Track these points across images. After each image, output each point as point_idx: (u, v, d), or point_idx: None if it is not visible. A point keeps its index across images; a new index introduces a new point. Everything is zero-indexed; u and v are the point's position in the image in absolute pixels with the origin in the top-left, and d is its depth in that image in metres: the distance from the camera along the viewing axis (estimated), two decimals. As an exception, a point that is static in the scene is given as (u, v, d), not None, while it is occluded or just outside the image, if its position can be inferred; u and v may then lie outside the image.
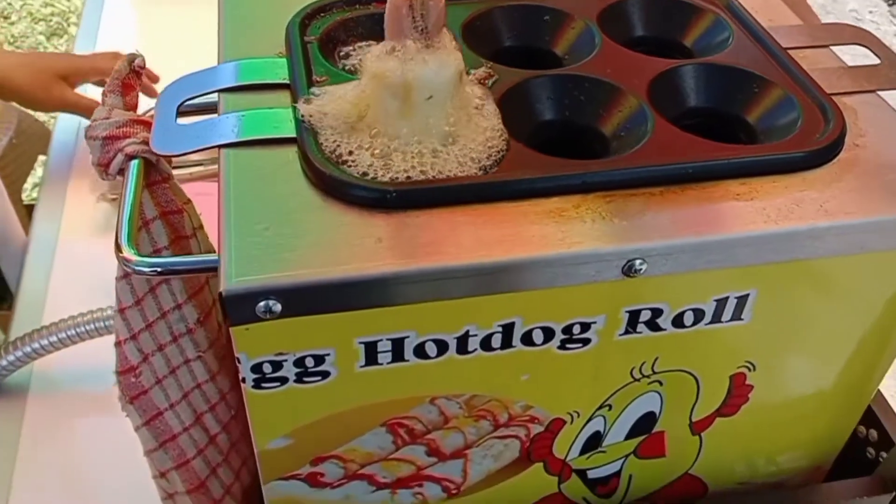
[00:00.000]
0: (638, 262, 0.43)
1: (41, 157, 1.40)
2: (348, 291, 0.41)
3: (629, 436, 0.54)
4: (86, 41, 1.30)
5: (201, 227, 0.59)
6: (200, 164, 0.98)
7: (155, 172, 0.54)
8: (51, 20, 2.92)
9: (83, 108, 0.98)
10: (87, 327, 0.77)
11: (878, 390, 0.61)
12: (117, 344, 0.56)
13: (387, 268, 0.41)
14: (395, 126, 0.44)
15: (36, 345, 0.77)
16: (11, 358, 0.78)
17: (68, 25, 2.91)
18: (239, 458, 0.64)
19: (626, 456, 0.56)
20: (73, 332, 0.77)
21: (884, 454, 0.62)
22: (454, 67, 0.43)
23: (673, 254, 0.43)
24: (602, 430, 0.53)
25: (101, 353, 0.77)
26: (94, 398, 0.82)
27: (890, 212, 0.46)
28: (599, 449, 0.55)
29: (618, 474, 0.58)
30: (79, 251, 0.98)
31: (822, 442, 0.61)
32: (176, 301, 0.56)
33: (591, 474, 0.57)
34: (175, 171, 0.56)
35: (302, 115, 0.47)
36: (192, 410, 0.60)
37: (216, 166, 0.47)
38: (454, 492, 0.54)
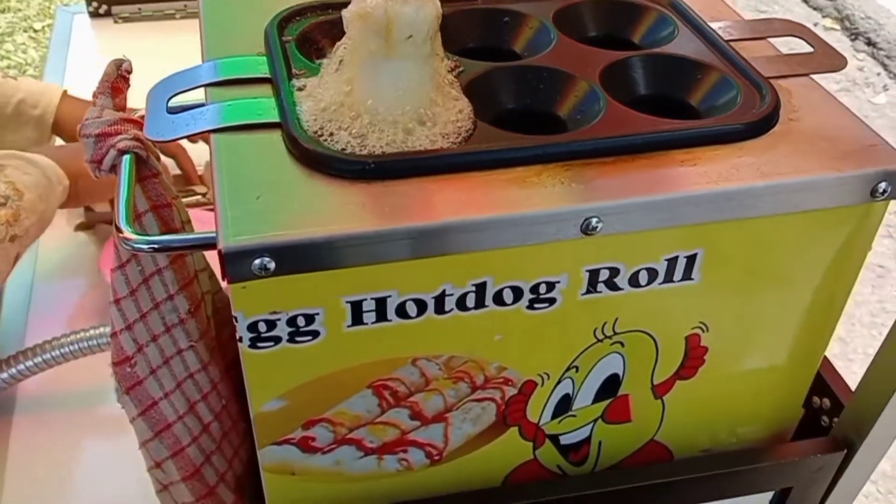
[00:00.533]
0: (594, 220, 0.47)
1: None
2: (334, 250, 0.45)
3: (596, 398, 0.58)
4: (54, 78, 1.34)
5: (189, 221, 0.63)
6: (199, 195, 1.02)
7: (145, 168, 0.58)
8: (7, 72, 2.95)
9: None
10: (71, 347, 0.78)
11: (826, 358, 0.65)
12: (113, 335, 0.59)
13: (368, 227, 0.45)
14: (375, 75, 0.48)
15: (21, 366, 0.79)
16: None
17: (25, 77, 2.93)
18: (231, 447, 0.67)
19: (595, 420, 0.60)
20: (58, 352, 0.78)
21: (836, 419, 0.66)
22: (432, 8, 0.48)
23: (625, 212, 0.48)
24: (571, 393, 0.57)
25: (85, 374, 0.80)
26: (79, 419, 0.84)
27: (821, 171, 0.51)
28: (570, 413, 0.58)
29: (588, 440, 0.61)
30: (57, 282, 0.99)
31: (779, 409, 0.65)
32: (168, 292, 0.60)
33: (564, 440, 0.60)
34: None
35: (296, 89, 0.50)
36: (185, 399, 0.62)
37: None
38: (437, 458, 0.58)
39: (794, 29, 0.66)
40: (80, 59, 1.38)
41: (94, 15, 1.47)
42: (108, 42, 1.44)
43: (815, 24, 3.20)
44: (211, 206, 0.98)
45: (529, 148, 0.50)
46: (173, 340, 0.61)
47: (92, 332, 0.78)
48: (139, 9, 1.47)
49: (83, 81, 1.31)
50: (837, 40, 3.13)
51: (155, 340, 0.60)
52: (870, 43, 3.09)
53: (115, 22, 1.47)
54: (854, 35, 3.14)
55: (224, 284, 0.67)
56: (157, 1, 1.47)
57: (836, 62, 0.62)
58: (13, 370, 0.79)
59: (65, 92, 1.01)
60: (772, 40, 0.65)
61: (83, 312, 0.94)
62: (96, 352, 0.79)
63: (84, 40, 1.44)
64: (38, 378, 0.80)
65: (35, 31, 3.14)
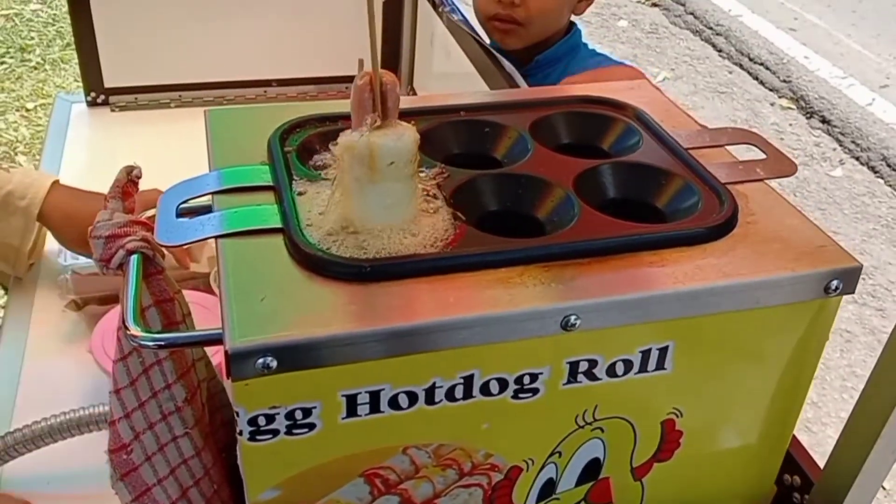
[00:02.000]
0: (573, 317, 0.52)
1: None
2: (333, 348, 0.49)
3: (579, 482, 0.61)
4: (50, 164, 1.38)
5: (189, 314, 0.66)
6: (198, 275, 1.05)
7: (151, 265, 0.61)
8: (1, 164, 2.98)
9: None
10: (60, 429, 0.79)
11: (794, 436, 0.69)
12: (111, 423, 0.62)
13: (364, 327, 0.49)
14: (364, 196, 0.53)
15: (9, 448, 0.79)
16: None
17: (16, 154, 2.97)
18: None
19: (578, 503, 0.63)
20: (46, 433, 0.79)
21: (807, 496, 0.70)
22: (410, 137, 0.54)
23: (601, 310, 0.53)
24: (555, 478, 0.60)
25: (72, 455, 0.81)
26: (65, 500, 0.85)
27: (778, 272, 0.56)
28: (554, 496, 0.61)
29: (572, 524, 0.64)
30: (46, 360, 1.01)
31: (753, 486, 0.69)
32: (166, 381, 0.63)
33: (548, 524, 0.63)
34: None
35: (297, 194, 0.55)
36: (178, 485, 0.65)
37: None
38: (425, 544, 0.60)
39: (748, 137, 0.72)
40: (77, 145, 1.43)
41: (92, 104, 1.53)
42: (105, 129, 1.50)
43: (773, 104, 3.38)
44: (205, 289, 1.02)
45: (512, 251, 0.55)
46: (169, 427, 0.64)
47: (81, 412, 0.80)
48: (135, 98, 1.54)
49: (80, 167, 1.36)
50: (794, 119, 3.29)
51: (151, 428, 0.63)
52: (824, 121, 3.25)
53: (112, 111, 1.53)
54: (809, 114, 3.31)
55: (215, 363, 0.70)
56: (152, 91, 1.54)
57: (787, 168, 0.68)
58: (0, 451, 0.80)
59: (55, 182, 1.05)
60: (728, 147, 0.71)
61: (72, 393, 0.95)
62: (84, 432, 0.80)
63: (81, 127, 1.49)
64: (25, 458, 0.81)
65: (27, 110, 3.20)
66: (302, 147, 0.64)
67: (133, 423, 0.62)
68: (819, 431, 1.99)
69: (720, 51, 3.87)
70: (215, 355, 0.78)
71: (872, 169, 3.02)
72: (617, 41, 4.12)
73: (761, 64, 3.62)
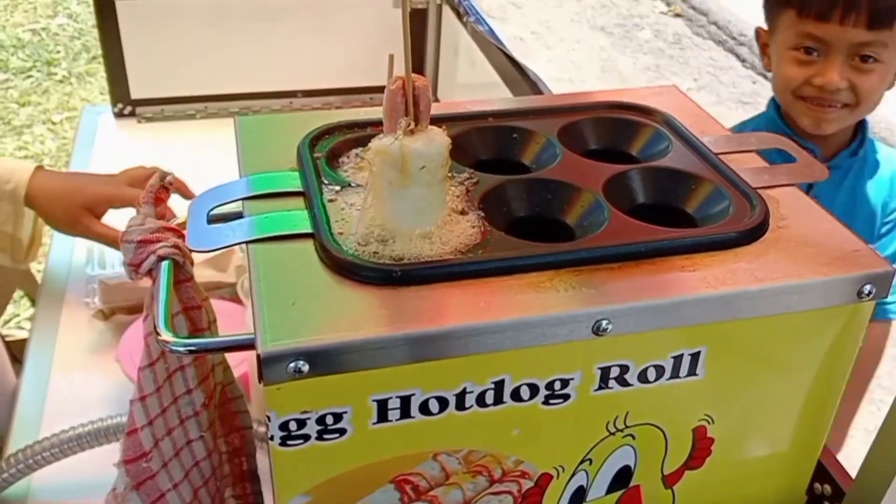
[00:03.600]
0: (605, 322, 0.51)
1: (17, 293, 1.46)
2: (364, 352, 0.49)
3: (609, 490, 0.61)
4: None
5: (215, 321, 0.67)
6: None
7: (181, 273, 0.62)
8: (25, 163, 3.03)
9: (105, 237, 1.06)
10: (88, 437, 0.80)
11: (825, 446, 0.68)
12: (130, 433, 0.62)
13: (396, 331, 0.49)
14: (395, 200, 0.53)
15: (38, 456, 0.80)
16: (13, 470, 0.81)
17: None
18: None
19: (608, 512, 0.62)
20: (74, 442, 0.80)
21: (838, 506, 0.69)
22: (442, 142, 0.54)
23: (633, 314, 0.52)
24: (585, 485, 0.60)
25: (98, 464, 0.81)
26: (93, 509, 0.86)
27: (811, 276, 0.56)
28: (584, 504, 0.61)
29: (602, 533, 0.64)
30: (74, 370, 1.02)
31: (784, 495, 0.68)
32: (188, 386, 0.63)
33: (578, 533, 0.63)
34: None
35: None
36: (191, 488, 0.65)
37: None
38: (455, 552, 0.60)
39: (777, 142, 0.71)
40: (104, 156, 1.45)
41: (119, 115, 1.55)
42: (131, 141, 1.52)
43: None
44: (231, 298, 1.02)
45: (542, 255, 0.54)
46: (185, 432, 0.64)
47: (109, 422, 0.80)
48: (162, 109, 1.56)
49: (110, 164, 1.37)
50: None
51: (170, 434, 0.63)
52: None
53: (139, 122, 1.56)
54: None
55: (238, 374, 0.70)
56: (178, 102, 1.56)
57: (817, 173, 0.67)
58: (29, 460, 0.80)
59: (38, 167, 1.06)
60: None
61: (99, 402, 0.96)
62: (112, 441, 0.81)
63: (108, 139, 1.52)
64: (53, 467, 0.82)
65: (53, 123, 3.25)
66: (331, 153, 0.64)
67: (154, 430, 0.62)
68: (846, 444, 1.96)
69: (743, 61, 3.85)
70: (238, 367, 0.78)
71: None
72: (640, 52, 4.11)
73: (784, 73, 3.59)
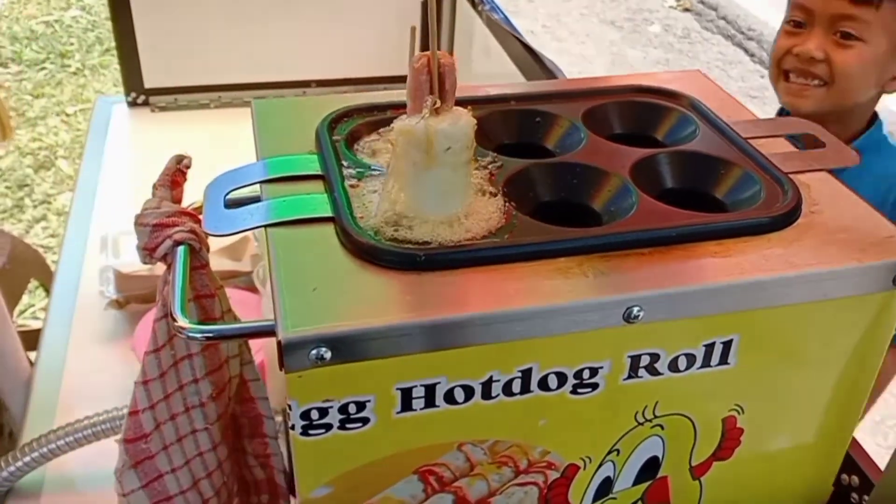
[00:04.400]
0: (636, 308, 0.50)
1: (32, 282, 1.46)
2: (388, 339, 0.47)
3: (636, 481, 0.59)
4: (91, 163, 1.40)
5: (230, 310, 0.65)
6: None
7: (196, 259, 0.60)
8: (38, 154, 3.04)
9: None
10: (103, 426, 0.80)
11: (854, 438, 0.66)
12: (132, 413, 0.61)
13: (420, 317, 0.47)
14: (419, 183, 0.52)
15: (52, 445, 0.80)
16: (27, 459, 0.81)
17: (56, 158, 3.02)
18: None
19: (635, 503, 0.61)
20: (90, 431, 0.80)
21: (866, 497, 0.67)
22: (467, 122, 0.52)
23: (665, 301, 0.51)
24: (612, 476, 0.58)
25: (114, 453, 0.81)
26: (106, 498, 0.85)
27: (846, 262, 0.54)
28: (611, 495, 0.59)
29: (628, 525, 0.62)
30: (88, 360, 1.02)
31: (812, 486, 0.66)
32: (194, 376, 0.62)
33: (604, 525, 0.61)
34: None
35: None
36: (191, 476, 0.64)
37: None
38: (478, 544, 0.58)
39: (807, 127, 0.69)
40: (117, 146, 1.45)
41: (133, 104, 1.54)
42: (145, 130, 1.51)
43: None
44: (246, 287, 1.01)
45: (570, 241, 0.53)
46: (190, 420, 0.63)
47: (124, 411, 0.79)
48: (175, 99, 1.55)
49: (121, 167, 1.37)
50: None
51: (173, 419, 0.62)
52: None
53: (153, 111, 1.55)
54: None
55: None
56: (192, 92, 1.55)
57: (847, 158, 0.65)
58: (44, 448, 0.80)
59: None
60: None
61: (115, 391, 0.96)
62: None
63: (122, 128, 1.51)
64: (69, 456, 0.81)
65: (67, 115, 3.25)
66: (350, 136, 0.63)
67: (156, 413, 0.61)
68: (881, 440, 1.93)
69: (752, 55, 3.81)
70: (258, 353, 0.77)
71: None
72: (649, 46, 4.08)
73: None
